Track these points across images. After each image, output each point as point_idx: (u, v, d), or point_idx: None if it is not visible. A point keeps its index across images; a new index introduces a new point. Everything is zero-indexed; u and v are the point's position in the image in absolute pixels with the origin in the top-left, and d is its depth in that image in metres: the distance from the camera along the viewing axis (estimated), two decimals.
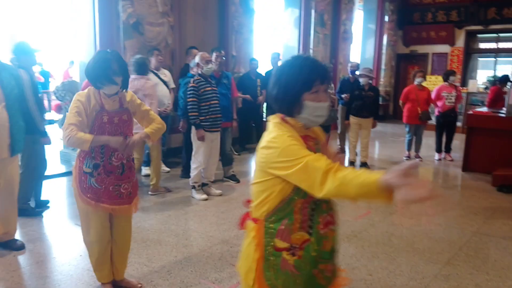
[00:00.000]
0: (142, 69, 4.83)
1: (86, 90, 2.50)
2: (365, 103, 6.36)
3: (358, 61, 12.36)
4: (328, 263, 1.57)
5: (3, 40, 9.44)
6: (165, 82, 5.72)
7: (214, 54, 5.18)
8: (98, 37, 5.88)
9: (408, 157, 7.45)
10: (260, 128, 7.53)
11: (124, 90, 2.62)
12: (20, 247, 3.40)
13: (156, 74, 5.62)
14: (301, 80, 1.45)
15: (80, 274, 3.05)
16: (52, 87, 10.31)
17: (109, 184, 2.53)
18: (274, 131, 1.46)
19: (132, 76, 4.78)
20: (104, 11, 5.86)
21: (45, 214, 4.28)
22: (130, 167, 2.64)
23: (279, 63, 7.04)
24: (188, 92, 4.68)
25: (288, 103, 1.48)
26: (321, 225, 1.51)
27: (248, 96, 6.64)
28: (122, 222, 2.75)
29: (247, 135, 7.85)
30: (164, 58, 6.27)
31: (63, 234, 3.83)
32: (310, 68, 1.46)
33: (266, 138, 1.48)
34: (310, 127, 1.56)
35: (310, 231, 1.49)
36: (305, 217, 1.48)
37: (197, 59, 4.77)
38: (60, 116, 6.26)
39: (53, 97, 8.98)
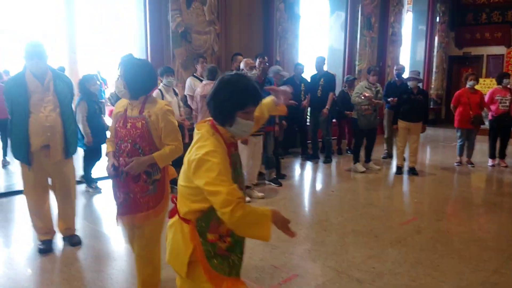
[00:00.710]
0: (213, 75, 5.21)
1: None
2: (414, 107, 6.20)
3: (408, 64, 12.13)
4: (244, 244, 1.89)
5: (60, 50, 10.12)
6: None
7: (257, 60, 5.31)
8: (149, 46, 6.22)
9: (460, 163, 7.15)
10: (304, 132, 7.55)
11: (147, 96, 2.49)
12: (78, 242, 3.68)
13: (202, 81, 5.82)
14: (237, 101, 1.66)
15: (131, 269, 3.24)
16: (107, 94, 10.93)
17: (114, 184, 2.59)
18: (208, 146, 1.64)
19: (204, 82, 5.28)
20: (154, 21, 6.18)
21: (102, 214, 4.56)
22: (135, 177, 2.45)
23: (325, 67, 7.08)
24: None
25: (223, 115, 1.70)
26: None
27: (293, 101, 6.65)
28: (138, 233, 2.63)
29: (290, 139, 7.90)
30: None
31: (117, 232, 4.09)
32: (246, 91, 1.67)
33: (200, 150, 1.64)
34: (237, 137, 1.80)
35: None
36: None
37: (242, 65, 4.93)
38: None
39: (108, 103, 9.53)
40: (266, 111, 2.08)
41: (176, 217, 1.83)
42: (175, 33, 6.35)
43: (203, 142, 1.65)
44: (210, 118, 1.78)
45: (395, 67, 7.78)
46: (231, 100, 1.66)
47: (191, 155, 1.66)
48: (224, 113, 1.68)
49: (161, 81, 5.35)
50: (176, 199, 1.85)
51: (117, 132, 2.49)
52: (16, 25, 11.77)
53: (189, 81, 5.88)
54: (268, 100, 2.08)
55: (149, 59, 6.20)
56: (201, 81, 5.77)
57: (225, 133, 1.72)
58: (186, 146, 1.94)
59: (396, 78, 7.69)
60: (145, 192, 2.47)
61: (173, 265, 1.83)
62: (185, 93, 5.88)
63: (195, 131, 1.76)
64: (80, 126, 4.87)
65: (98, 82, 5.32)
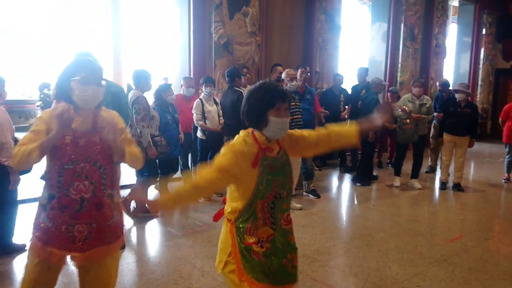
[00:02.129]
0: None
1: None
2: (461, 120, 5.96)
3: (452, 77, 11.77)
4: (295, 253, 1.91)
5: (106, 62, 10.50)
6: None
7: (299, 71, 5.30)
8: (192, 57, 6.36)
9: (508, 180, 6.80)
10: None
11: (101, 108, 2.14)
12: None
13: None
14: (266, 99, 1.76)
15: (171, 274, 3.28)
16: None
17: (62, 222, 1.92)
18: (230, 143, 1.80)
19: None
20: (198, 33, 6.33)
21: (148, 221, 4.61)
22: (98, 204, 1.97)
23: (367, 78, 6.95)
24: None
25: (256, 118, 1.79)
26: (283, 221, 1.85)
27: (326, 112, 6.58)
28: (94, 273, 2.05)
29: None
30: (251, 75, 6.54)
31: (159, 239, 4.15)
32: (272, 90, 1.79)
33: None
34: (273, 139, 1.84)
35: (273, 226, 1.82)
36: (266, 215, 1.80)
37: (283, 75, 4.94)
38: None
39: None
40: (341, 137, 1.98)
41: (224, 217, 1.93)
42: (217, 44, 6.47)
43: (232, 142, 1.81)
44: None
45: (437, 82, 7.57)
46: (260, 102, 1.77)
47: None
48: (257, 116, 1.79)
49: (202, 91, 5.47)
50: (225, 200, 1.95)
51: (64, 151, 1.94)
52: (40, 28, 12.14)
53: None
54: (352, 127, 1.98)
55: (192, 69, 6.35)
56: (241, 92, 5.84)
57: (260, 136, 1.81)
58: None
59: (441, 91, 7.47)
60: (110, 220, 2.02)
61: (217, 262, 1.92)
62: None
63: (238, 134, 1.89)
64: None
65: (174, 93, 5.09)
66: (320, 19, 7.92)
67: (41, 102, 9.00)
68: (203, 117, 5.38)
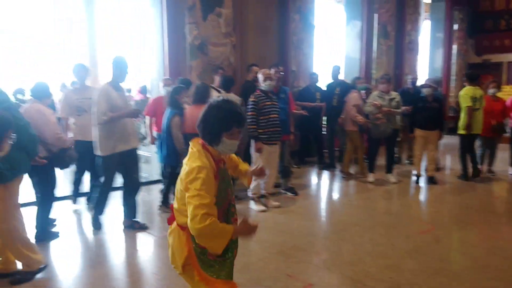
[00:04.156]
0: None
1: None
2: (430, 115, 6.14)
3: (426, 71, 12.06)
4: (236, 247, 2.05)
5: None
6: None
7: (272, 70, 5.35)
8: (167, 58, 6.35)
9: (480, 172, 7.01)
10: (320, 141, 7.52)
11: None
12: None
13: (220, 92, 5.90)
14: (223, 124, 1.88)
15: None
16: None
17: None
18: (197, 162, 1.85)
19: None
20: (172, 35, 6.31)
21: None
22: None
23: (339, 76, 7.07)
24: (248, 107, 4.90)
25: (211, 136, 1.90)
26: (233, 223, 2.02)
27: (304, 111, 6.65)
28: None
29: (306, 149, 7.89)
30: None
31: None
32: (231, 115, 1.89)
33: (190, 165, 1.86)
34: (223, 154, 1.99)
35: None
36: (221, 221, 1.89)
37: (259, 76, 4.99)
38: None
39: None
40: (237, 171, 2.28)
41: (175, 223, 2.03)
42: (192, 46, 6.47)
43: (194, 159, 1.87)
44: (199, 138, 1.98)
45: (409, 76, 7.76)
46: (218, 123, 1.88)
47: (183, 169, 1.89)
48: (212, 134, 1.90)
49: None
50: (172, 208, 2.04)
51: None
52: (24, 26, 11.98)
53: None
54: (245, 166, 2.30)
55: (168, 71, 6.34)
56: (219, 91, 5.87)
57: (213, 151, 1.93)
58: None
59: (410, 86, 7.68)
60: None
61: (174, 266, 2.06)
62: None
63: (190, 146, 1.96)
64: (177, 143, 4.64)
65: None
66: (295, 18, 7.98)
67: None
68: None
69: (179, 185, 1.92)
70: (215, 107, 1.91)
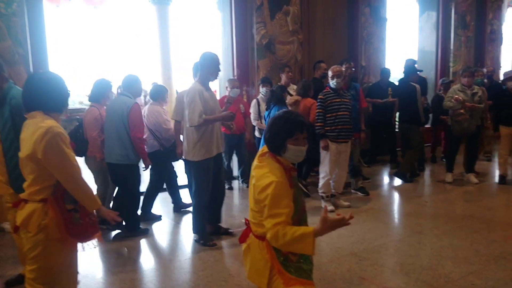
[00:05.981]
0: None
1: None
2: None
3: (511, 63, 11.06)
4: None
5: (155, 66, 10.88)
6: None
7: (343, 66, 5.22)
8: (235, 58, 6.47)
9: None
10: (392, 140, 7.20)
11: None
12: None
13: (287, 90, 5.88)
14: (285, 131, 1.94)
15: (221, 272, 3.36)
16: None
17: None
18: (270, 177, 1.87)
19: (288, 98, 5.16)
20: (240, 35, 6.42)
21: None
22: None
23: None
24: (317, 105, 4.84)
25: (276, 144, 1.97)
26: None
27: (379, 100, 6.46)
28: None
29: (378, 147, 7.59)
30: (294, 74, 6.52)
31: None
32: (291, 121, 1.96)
33: (263, 180, 1.88)
34: (292, 162, 2.03)
35: None
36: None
37: (329, 73, 4.88)
38: None
39: None
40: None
41: (251, 237, 2.06)
42: (259, 45, 6.52)
43: (266, 173, 1.90)
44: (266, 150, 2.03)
45: (484, 69, 7.21)
46: (280, 130, 1.96)
47: (257, 182, 1.90)
48: (277, 142, 1.96)
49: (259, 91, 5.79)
50: (248, 222, 2.09)
51: None
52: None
53: None
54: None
55: (235, 71, 6.46)
56: (290, 93, 5.85)
57: (284, 161, 1.98)
58: None
59: (486, 80, 7.12)
60: None
61: (254, 281, 2.07)
62: None
63: (255, 161, 2.01)
64: None
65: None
66: (365, 12, 7.74)
67: None
68: (259, 116, 5.70)
69: (252, 196, 1.98)
70: (277, 118, 2.01)
